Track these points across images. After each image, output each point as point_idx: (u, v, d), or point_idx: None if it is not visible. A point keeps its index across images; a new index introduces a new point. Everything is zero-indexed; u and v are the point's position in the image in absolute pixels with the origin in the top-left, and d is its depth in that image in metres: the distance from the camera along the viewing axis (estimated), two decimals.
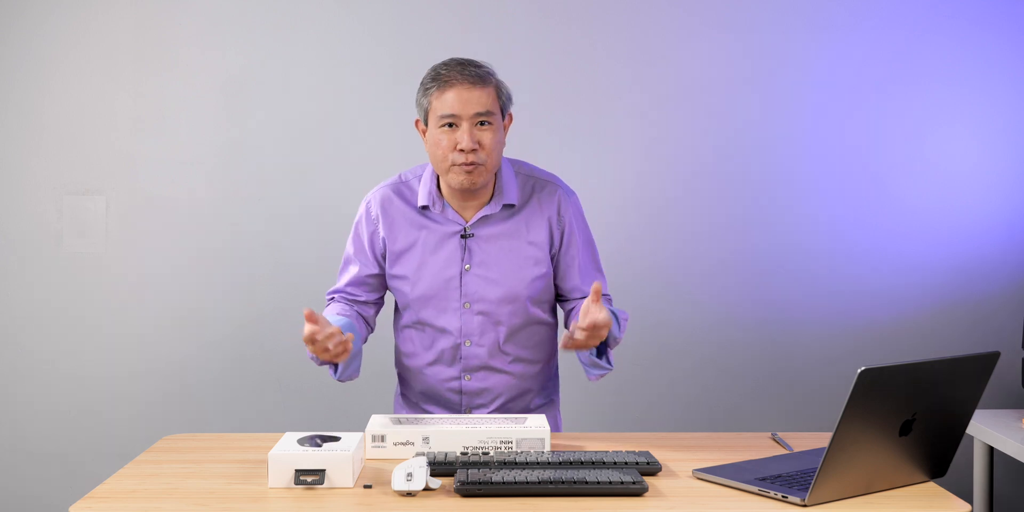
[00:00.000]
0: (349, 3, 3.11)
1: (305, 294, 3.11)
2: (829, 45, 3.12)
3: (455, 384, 2.18)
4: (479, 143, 2.02)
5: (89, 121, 3.11)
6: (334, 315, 2.13)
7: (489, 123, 2.03)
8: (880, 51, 3.12)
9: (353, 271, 2.21)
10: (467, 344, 2.16)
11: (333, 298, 2.23)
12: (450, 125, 2.03)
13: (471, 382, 2.17)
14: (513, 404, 2.20)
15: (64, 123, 3.11)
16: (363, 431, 1.84)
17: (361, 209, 2.20)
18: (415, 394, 2.25)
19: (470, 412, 2.18)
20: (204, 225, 3.13)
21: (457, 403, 2.19)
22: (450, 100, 2.02)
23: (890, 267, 3.15)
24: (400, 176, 2.20)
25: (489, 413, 2.17)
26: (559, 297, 2.24)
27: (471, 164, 2.02)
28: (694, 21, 3.12)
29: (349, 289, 2.22)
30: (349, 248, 2.23)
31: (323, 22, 3.11)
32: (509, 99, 2.11)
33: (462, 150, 2.01)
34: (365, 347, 3.12)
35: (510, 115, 2.14)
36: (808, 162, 3.14)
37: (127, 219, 3.13)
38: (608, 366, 2.08)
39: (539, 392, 2.24)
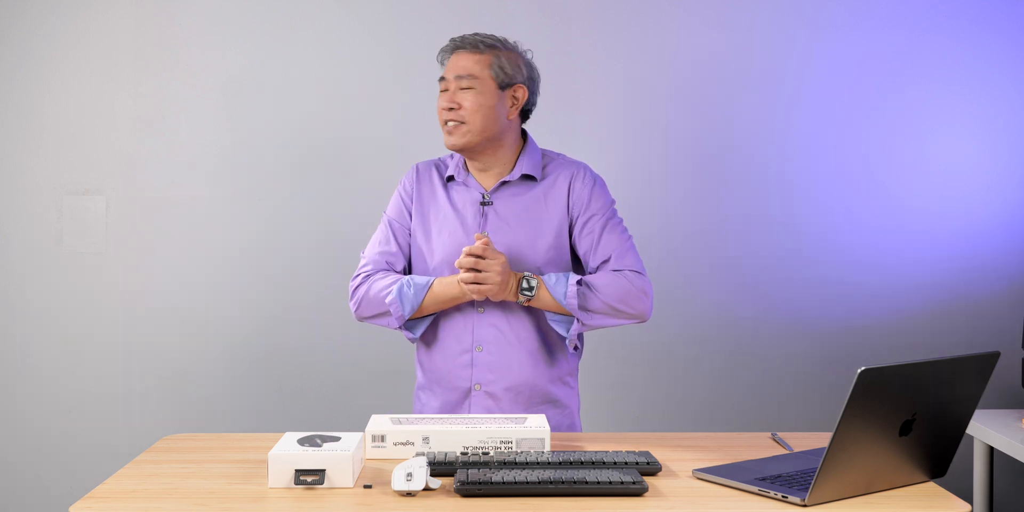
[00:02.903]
0: (349, 3, 3.11)
1: (305, 293, 3.12)
2: (829, 45, 3.12)
3: (466, 358, 2.18)
4: (458, 103, 2.17)
5: (89, 121, 3.11)
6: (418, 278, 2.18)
7: (471, 87, 2.18)
8: (880, 51, 3.12)
9: (393, 234, 2.25)
10: (480, 311, 2.18)
11: (370, 274, 2.22)
12: (445, 90, 2.21)
13: (482, 354, 2.18)
14: (524, 386, 2.18)
15: (64, 123, 3.12)
16: (363, 431, 1.84)
17: (401, 181, 2.31)
18: (428, 382, 2.25)
19: (479, 388, 2.18)
20: (204, 225, 3.13)
21: (467, 378, 2.18)
22: (447, 65, 2.22)
23: (890, 267, 3.15)
24: (441, 156, 2.34)
25: (499, 390, 2.17)
26: (587, 272, 2.24)
27: (452, 123, 2.17)
28: (694, 21, 3.12)
29: (389, 260, 2.24)
30: (388, 216, 2.29)
31: (323, 22, 3.11)
32: (512, 69, 2.20)
33: (445, 109, 2.18)
34: (366, 347, 3.14)
35: (521, 87, 2.22)
36: (808, 162, 3.14)
37: (127, 219, 3.13)
38: (564, 333, 2.16)
39: (551, 380, 2.22)
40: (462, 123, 2.16)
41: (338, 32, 3.11)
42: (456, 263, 2.09)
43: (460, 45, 2.20)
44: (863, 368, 1.50)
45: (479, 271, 2.07)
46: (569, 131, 3.09)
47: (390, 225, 2.26)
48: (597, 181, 2.25)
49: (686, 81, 3.13)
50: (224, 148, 3.12)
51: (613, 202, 2.26)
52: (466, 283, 2.07)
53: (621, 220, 2.25)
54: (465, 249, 2.07)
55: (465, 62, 2.18)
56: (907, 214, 3.15)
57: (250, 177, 3.13)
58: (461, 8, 3.09)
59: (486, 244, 2.07)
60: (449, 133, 2.18)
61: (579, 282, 2.13)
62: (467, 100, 2.16)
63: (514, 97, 2.21)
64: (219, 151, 3.12)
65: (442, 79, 2.20)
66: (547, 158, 2.27)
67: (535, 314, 2.19)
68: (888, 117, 3.14)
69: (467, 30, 2.29)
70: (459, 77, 2.17)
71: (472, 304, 2.18)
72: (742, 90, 3.12)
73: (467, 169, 2.25)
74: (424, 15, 3.10)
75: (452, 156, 2.30)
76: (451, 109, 2.17)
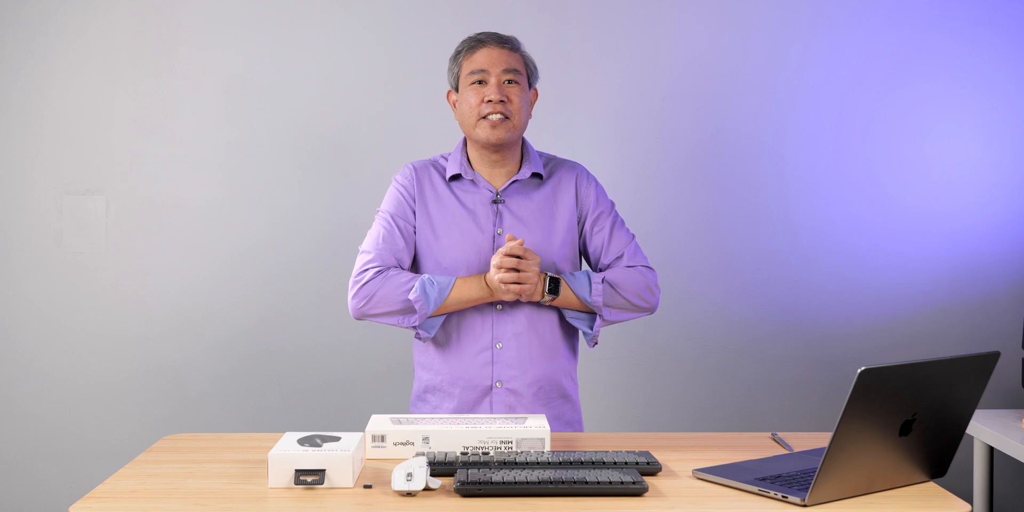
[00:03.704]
0: (349, 3, 3.11)
1: (305, 293, 3.12)
2: (829, 44, 3.12)
3: (486, 355, 2.18)
4: (507, 97, 2.15)
5: (89, 121, 3.11)
6: (437, 277, 2.15)
7: (517, 82, 2.17)
8: (880, 51, 3.12)
9: (398, 230, 2.20)
10: (499, 308, 2.18)
11: (381, 270, 2.16)
12: (480, 82, 2.16)
13: (502, 350, 2.18)
14: (543, 380, 2.20)
15: (64, 123, 3.11)
16: (363, 431, 1.84)
17: (396, 180, 2.26)
18: (441, 383, 2.23)
19: (500, 386, 2.18)
20: (204, 225, 3.13)
21: (487, 376, 2.18)
22: (480, 58, 2.17)
23: (890, 267, 3.15)
24: (431, 157, 2.31)
25: (521, 386, 2.18)
26: (597, 268, 2.27)
27: (499, 116, 2.14)
28: (693, 20, 3.12)
29: (397, 256, 2.19)
30: (389, 213, 2.22)
31: (323, 22, 3.11)
32: (535, 72, 2.25)
33: (490, 101, 2.13)
34: (366, 347, 3.14)
35: (535, 90, 2.26)
36: (808, 162, 3.14)
37: (127, 219, 3.13)
38: (588, 330, 2.20)
39: (564, 374, 2.24)
40: (507, 118, 2.15)
41: (338, 32, 3.11)
42: (495, 263, 2.07)
43: (497, 41, 2.19)
44: (863, 368, 1.50)
45: (518, 271, 2.07)
46: (567, 131, 3.09)
47: (393, 221, 2.22)
48: (597, 181, 2.30)
49: (684, 80, 3.13)
50: (224, 148, 3.12)
51: (613, 202, 2.30)
52: (506, 283, 2.07)
53: (623, 220, 2.30)
54: (502, 249, 2.07)
55: (508, 57, 2.17)
56: (907, 214, 3.15)
57: (250, 177, 3.12)
58: (461, 8, 3.09)
59: (521, 244, 2.07)
60: (494, 126, 2.15)
61: (602, 280, 2.17)
62: (515, 95, 2.16)
63: (529, 98, 2.24)
64: (219, 151, 3.12)
65: (480, 71, 2.16)
66: (544, 157, 2.30)
67: (550, 309, 2.20)
68: (888, 117, 3.14)
69: (466, 30, 2.29)
70: (507, 71, 2.16)
71: (490, 302, 2.17)
72: (741, 89, 3.12)
73: (471, 167, 2.24)
74: (424, 15, 3.10)
75: (446, 156, 2.28)
76: (501, 102, 2.14)
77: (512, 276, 2.07)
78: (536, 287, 2.11)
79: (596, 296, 2.15)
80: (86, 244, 3.13)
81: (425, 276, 2.15)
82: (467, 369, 2.19)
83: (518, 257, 2.06)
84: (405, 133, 3.10)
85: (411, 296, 2.12)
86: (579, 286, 2.15)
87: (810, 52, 3.12)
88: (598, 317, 2.18)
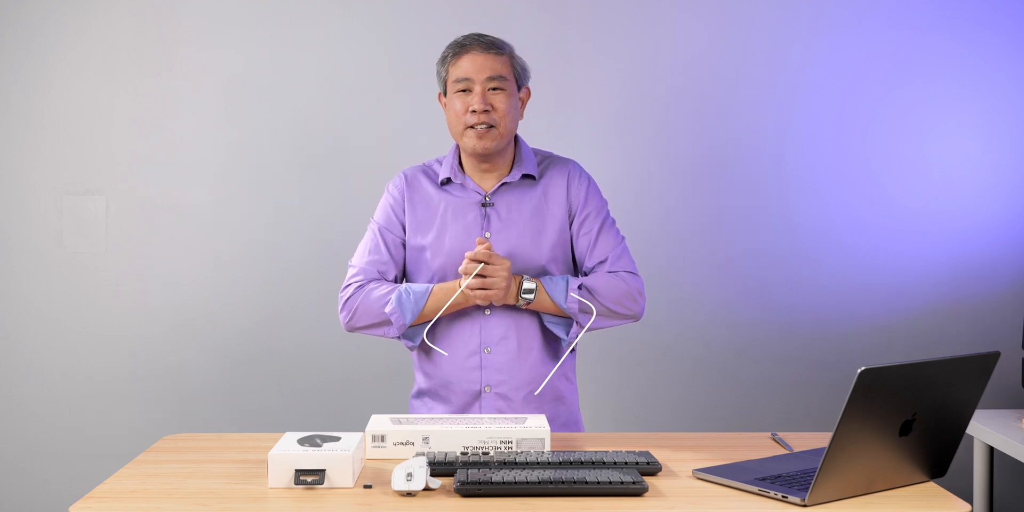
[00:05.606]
0: (349, 3, 3.11)
1: (305, 292, 3.12)
2: (829, 44, 3.12)
3: (475, 360, 2.17)
4: (491, 106, 2.13)
5: (89, 121, 3.11)
6: (415, 286, 2.15)
7: (502, 89, 2.14)
8: (880, 51, 3.12)
9: (383, 242, 2.21)
10: (487, 312, 2.17)
11: (362, 284, 2.19)
12: (465, 90, 2.14)
13: (490, 355, 2.17)
14: (534, 384, 2.18)
15: (64, 123, 3.11)
16: (363, 431, 1.84)
17: (387, 189, 2.27)
18: (433, 387, 2.22)
19: (489, 390, 2.17)
20: (204, 225, 3.13)
21: (476, 381, 2.17)
22: (464, 65, 2.14)
23: (890, 267, 3.15)
24: (424, 162, 2.30)
25: (510, 390, 2.17)
26: (581, 271, 2.26)
27: (483, 125, 2.12)
28: (692, 20, 3.12)
29: (380, 269, 2.20)
30: (377, 224, 2.24)
31: (323, 22, 3.11)
32: (525, 72, 2.22)
33: (474, 112, 2.11)
34: (366, 347, 3.14)
35: (527, 89, 2.24)
36: (808, 162, 3.14)
37: (127, 219, 3.13)
38: (564, 336, 2.17)
39: (557, 376, 2.22)
40: (492, 126, 2.13)
41: (338, 32, 3.11)
42: (460, 269, 2.07)
43: (481, 45, 2.15)
44: (863, 368, 1.50)
45: (484, 277, 2.06)
46: (567, 131, 3.09)
47: (379, 234, 2.22)
48: (591, 179, 2.27)
49: (685, 80, 3.13)
50: (224, 148, 3.12)
51: (606, 202, 2.27)
52: (472, 289, 2.07)
53: (614, 220, 2.26)
54: (468, 254, 2.06)
55: (493, 63, 2.14)
56: (907, 214, 3.15)
57: (250, 177, 3.13)
58: (461, 8, 3.09)
59: (489, 248, 2.06)
60: (479, 137, 2.12)
61: (579, 286, 2.14)
62: (500, 102, 2.13)
63: (520, 98, 2.22)
64: (219, 151, 3.12)
65: (464, 80, 2.14)
66: (538, 156, 2.27)
67: (540, 312, 2.19)
68: (888, 117, 3.14)
69: (466, 30, 2.28)
70: (491, 78, 2.13)
71: (478, 306, 2.17)
72: (741, 90, 3.12)
73: (462, 171, 2.23)
74: (424, 15, 3.10)
75: (439, 160, 2.27)
76: (485, 111, 2.12)
77: (477, 281, 2.06)
78: (508, 291, 2.10)
79: (571, 303, 2.12)
80: (86, 244, 3.13)
81: (402, 286, 2.15)
82: (456, 374, 2.18)
83: (483, 263, 2.05)
84: (405, 133, 3.11)
85: (387, 309, 2.13)
86: (556, 291, 2.13)
87: (810, 52, 3.12)
88: (575, 323, 2.16)
